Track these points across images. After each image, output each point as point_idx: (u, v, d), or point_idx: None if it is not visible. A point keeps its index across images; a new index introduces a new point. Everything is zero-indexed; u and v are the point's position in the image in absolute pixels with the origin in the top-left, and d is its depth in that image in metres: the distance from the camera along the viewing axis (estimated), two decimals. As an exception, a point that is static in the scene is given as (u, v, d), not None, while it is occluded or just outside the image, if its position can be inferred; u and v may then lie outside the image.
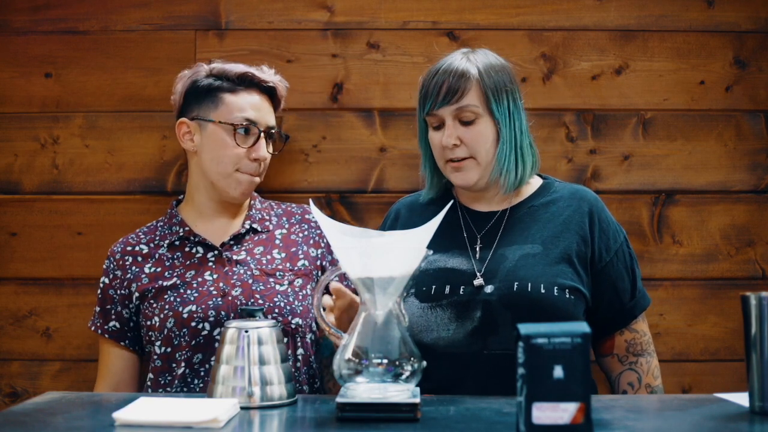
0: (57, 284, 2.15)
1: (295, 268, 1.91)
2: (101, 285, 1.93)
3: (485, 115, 1.71)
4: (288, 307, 1.85)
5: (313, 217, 1.96)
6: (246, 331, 1.43)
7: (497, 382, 1.61)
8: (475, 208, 1.80)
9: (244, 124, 1.89)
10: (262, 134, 1.91)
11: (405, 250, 1.35)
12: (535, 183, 1.83)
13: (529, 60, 2.17)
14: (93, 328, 1.94)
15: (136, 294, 1.88)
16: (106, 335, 1.91)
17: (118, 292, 1.90)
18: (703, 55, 2.17)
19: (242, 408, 1.38)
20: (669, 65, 2.17)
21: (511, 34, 2.17)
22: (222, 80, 1.91)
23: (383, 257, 1.32)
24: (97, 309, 1.93)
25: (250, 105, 1.91)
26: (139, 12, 2.17)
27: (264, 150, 1.91)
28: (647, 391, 1.78)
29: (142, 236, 1.95)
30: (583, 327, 1.17)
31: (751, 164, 2.17)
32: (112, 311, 1.91)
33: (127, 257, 1.91)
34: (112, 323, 1.91)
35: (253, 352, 1.42)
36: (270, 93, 1.96)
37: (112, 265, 1.92)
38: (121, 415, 1.27)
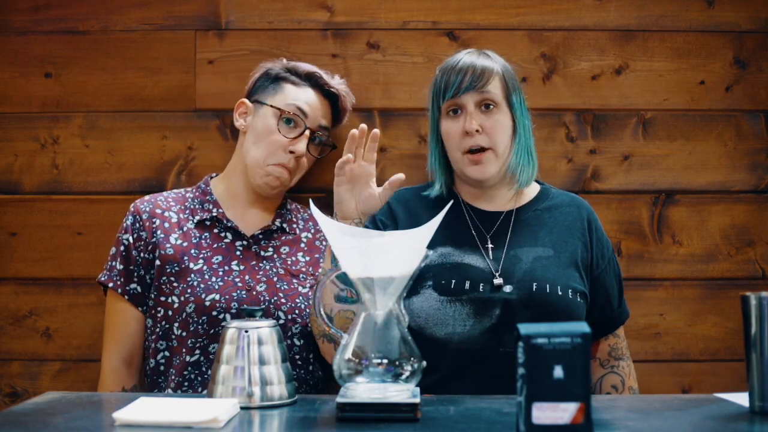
0: (57, 284, 2.15)
1: (317, 273, 1.92)
2: (124, 242, 1.89)
3: (504, 106, 1.75)
4: (308, 310, 1.86)
5: None
6: (246, 331, 1.42)
7: (509, 380, 1.62)
8: (480, 207, 1.80)
9: (291, 112, 1.91)
10: (307, 130, 1.92)
11: (405, 250, 1.35)
12: (534, 187, 1.86)
13: (529, 60, 2.17)
14: (111, 285, 1.88)
15: (158, 261, 1.85)
16: (126, 296, 1.88)
17: (142, 254, 1.87)
18: (703, 55, 2.18)
19: (242, 408, 1.38)
20: (669, 65, 2.17)
21: (511, 34, 2.17)
22: (290, 73, 1.96)
23: (383, 257, 1.32)
24: (119, 266, 1.88)
25: (305, 99, 1.94)
26: (139, 12, 2.17)
27: (302, 145, 1.92)
28: (630, 392, 1.82)
29: (172, 203, 1.94)
30: (583, 327, 1.17)
31: (751, 164, 2.17)
32: (135, 274, 1.88)
33: (155, 220, 1.89)
34: (133, 285, 1.88)
35: (253, 352, 1.42)
36: (332, 99, 1.99)
37: (137, 224, 1.89)
38: (121, 415, 1.27)
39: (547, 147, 2.16)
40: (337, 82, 2.01)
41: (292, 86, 1.95)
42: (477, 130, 1.72)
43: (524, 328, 1.18)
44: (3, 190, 2.17)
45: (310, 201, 1.57)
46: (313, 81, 1.97)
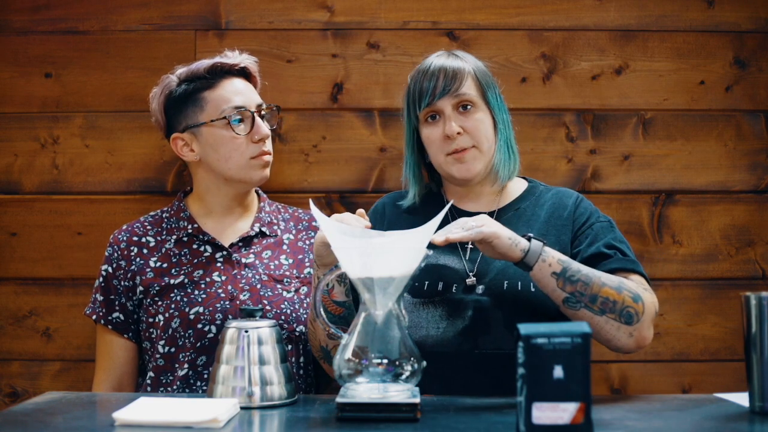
0: (57, 284, 2.15)
1: (302, 275, 1.90)
2: (103, 273, 1.90)
3: (482, 104, 1.74)
4: (294, 315, 1.85)
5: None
6: (246, 331, 1.43)
7: (487, 382, 1.62)
8: (464, 208, 1.80)
9: (236, 113, 1.87)
10: (255, 115, 1.88)
11: (405, 250, 1.35)
12: (520, 185, 1.84)
13: (529, 60, 2.17)
14: (94, 318, 1.90)
15: (140, 288, 1.86)
16: (110, 326, 1.89)
17: (122, 283, 1.88)
18: (703, 55, 2.17)
19: (242, 408, 1.38)
20: (669, 65, 2.17)
21: (511, 34, 2.17)
22: (195, 81, 1.89)
23: (383, 257, 1.32)
24: (100, 298, 1.90)
25: (232, 93, 1.89)
26: (139, 12, 2.17)
27: (264, 128, 1.89)
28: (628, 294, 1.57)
29: (149, 227, 1.93)
30: (583, 327, 1.17)
31: (751, 164, 2.17)
32: (116, 302, 1.88)
33: (132, 248, 1.89)
34: (115, 314, 1.88)
35: (253, 352, 1.42)
36: (244, 74, 1.94)
37: (116, 254, 1.90)
38: (121, 415, 1.27)
39: (547, 147, 2.16)
40: (236, 58, 1.93)
41: (210, 91, 1.88)
42: (458, 133, 1.71)
43: (524, 328, 1.18)
44: (3, 190, 2.17)
45: (310, 201, 1.57)
46: (218, 72, 1.90)
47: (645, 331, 1.58)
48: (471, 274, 1.69)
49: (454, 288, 1.68)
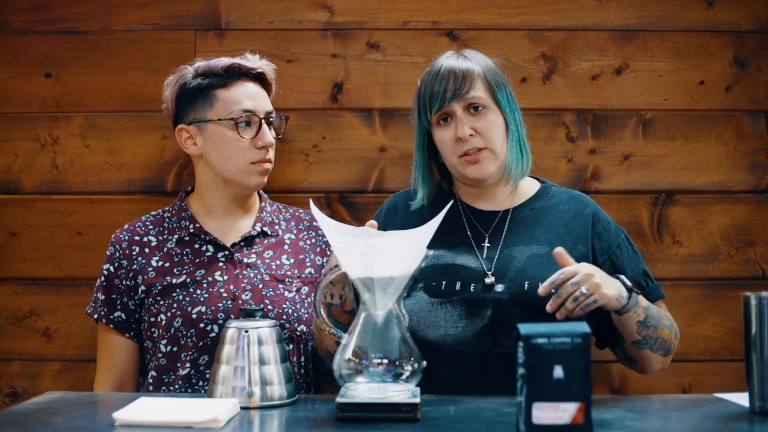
0: (57, 284, 2.15)
1: (303, 275, 1.90)
2: (105, 272, 1.90)
3: (492, 105, 1.74)
4: (295, 315, 1.85)
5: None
6: (246, 331, 1.43)
7: (506, 382, 1.61)
8: (477, 206, 1.80)
9: (244, 116, 1.88)
10: (262, 121, 1.89)
11: (405, 250, 1.35)
12: (533, 185, 1.85)
13: (529, 60, 2.17)
14: (96, 317, 1.90)
15: (142, 287, 1.86)
16: (111, 325, 1.88)
17: (124, 282, 1.88)
18: (703, 55, 2.17)
19: (242, 408, 1.38)
20: (669, 65, 2.17)
21: (511, 34, 2.17)
22: (210, 77, 1.90)
23: (383, 257, 1.32)
24: (101, 297, 1.90)
25: (244, 96, 1.89)
26: (139, 12, 2.17)
27: (268, 136, 1.90)
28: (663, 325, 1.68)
29: (150, 226, 1.93)
30: (583, 327, 1.17)
31: (751, 164, 2.17)
32: (118, 302, 1.88)
33: (134, 247, 1.89)
34: (117, 314, 1.88)
35: (253, 352, 1.42)
36: (260, 79, 1.95)
37: (117, 254, 1.90)
38: (121, 415, 1.27)
39: (547, 147, 2.16)
40: (255, 62, 1.94)
41: (223, 90, 1.89)
42: (471, 135, 1.71)
43: (524, 328, 1.18)
44: (3, 190, 2.17)
45: (310, 201, 1.57)
46: (235, 73, 1.90)
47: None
48: (489, 272, 1.69)
49: (472, 287, 1.68)
